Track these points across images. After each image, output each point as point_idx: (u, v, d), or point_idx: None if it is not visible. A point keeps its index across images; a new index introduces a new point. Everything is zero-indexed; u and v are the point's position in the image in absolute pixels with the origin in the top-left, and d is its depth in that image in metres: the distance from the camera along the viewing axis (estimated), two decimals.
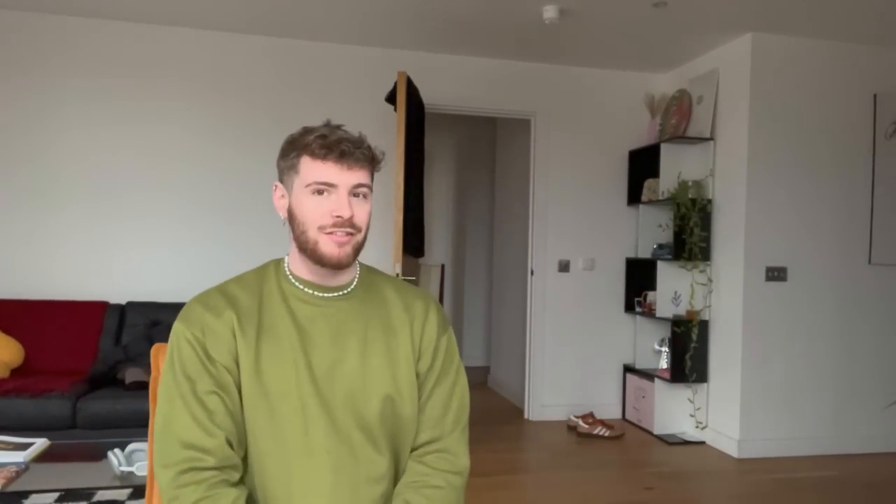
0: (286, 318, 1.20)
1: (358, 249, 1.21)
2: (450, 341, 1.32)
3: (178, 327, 1.17)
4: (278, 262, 1.27)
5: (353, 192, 1.18)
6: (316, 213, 1.17)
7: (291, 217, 1.21)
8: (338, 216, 1.16)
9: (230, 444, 1.13)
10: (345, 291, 1.25)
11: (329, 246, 1.17)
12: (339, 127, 1.21)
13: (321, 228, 1.16)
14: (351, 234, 1.18)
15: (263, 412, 1.15)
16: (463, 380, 1.32)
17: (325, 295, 1.23)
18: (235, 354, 1.16)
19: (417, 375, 1.27)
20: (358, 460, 1.18)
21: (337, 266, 1.19)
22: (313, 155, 1.17)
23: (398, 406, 1.22)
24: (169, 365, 1.16)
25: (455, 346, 1.34)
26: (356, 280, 1.28)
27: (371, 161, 1.21)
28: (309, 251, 1.18)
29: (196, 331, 1.16)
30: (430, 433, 1.26)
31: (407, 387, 1.24)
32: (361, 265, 1.31)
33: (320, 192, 1.17)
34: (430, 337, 1.28)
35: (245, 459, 1.18)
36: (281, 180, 1.24)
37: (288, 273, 1.25)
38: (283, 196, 1.23)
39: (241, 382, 1.16)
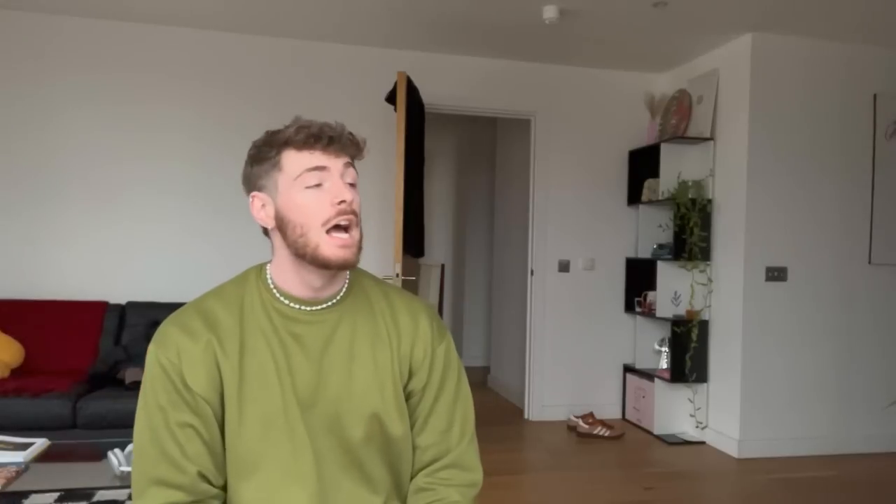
0: (271, 336, 1.12)
1: (360, 247, 1.13)
2: (448, 349, 1.23)
3: (152, 351, 1.10)
4: (259, 272, 1.19)
5: (345, 181, 1.11)
6: (316, 207, 1.08)
7: (282, 223, 1.11)
8: (341, 201, 1.08)
9: (205, 478, 1.08)
10: (332, 302, 1.17)
11: (331, 249, 1.08)
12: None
13: (325, 224, 1.08)
14: (354, 223, 1.10)
15: (248, 440, 1.09)
16: (465, 387, 1.25)
17: (312, 308, 1.15)
18: (218, 382, 1.09)
19: (412, 394, 1.20)
20: (346, 484, 1.13)
21: (344, 267, 1.11)
22: (298, 147, 1.10)
23: (386, 425, 1.15)
24: (143, 392, 1.09)
25: (454, 352, 1.25)
26: (344, 288, 1.19)
27: (356, 148, 1.14)
28: (309, 256, 1.09)
29: (171, 355, 1.08)
30: (437, 449, 1.20)
31: (395, 405, 1.16)
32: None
33: (315, 185, 1.08)
34: (421, 352, 1.20)
35: (225, 486, 1.13)
36: (257, 188, 1.14)
37: (272, 286, 1.16)
38: (264, 205, 1.14)
39: (224, 409, 1.10)
